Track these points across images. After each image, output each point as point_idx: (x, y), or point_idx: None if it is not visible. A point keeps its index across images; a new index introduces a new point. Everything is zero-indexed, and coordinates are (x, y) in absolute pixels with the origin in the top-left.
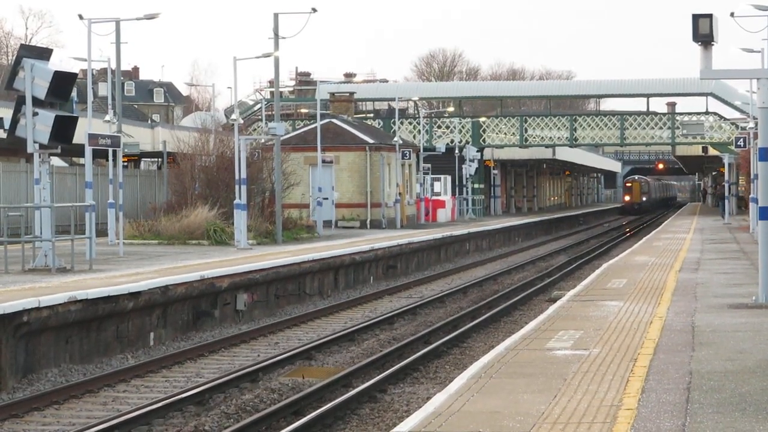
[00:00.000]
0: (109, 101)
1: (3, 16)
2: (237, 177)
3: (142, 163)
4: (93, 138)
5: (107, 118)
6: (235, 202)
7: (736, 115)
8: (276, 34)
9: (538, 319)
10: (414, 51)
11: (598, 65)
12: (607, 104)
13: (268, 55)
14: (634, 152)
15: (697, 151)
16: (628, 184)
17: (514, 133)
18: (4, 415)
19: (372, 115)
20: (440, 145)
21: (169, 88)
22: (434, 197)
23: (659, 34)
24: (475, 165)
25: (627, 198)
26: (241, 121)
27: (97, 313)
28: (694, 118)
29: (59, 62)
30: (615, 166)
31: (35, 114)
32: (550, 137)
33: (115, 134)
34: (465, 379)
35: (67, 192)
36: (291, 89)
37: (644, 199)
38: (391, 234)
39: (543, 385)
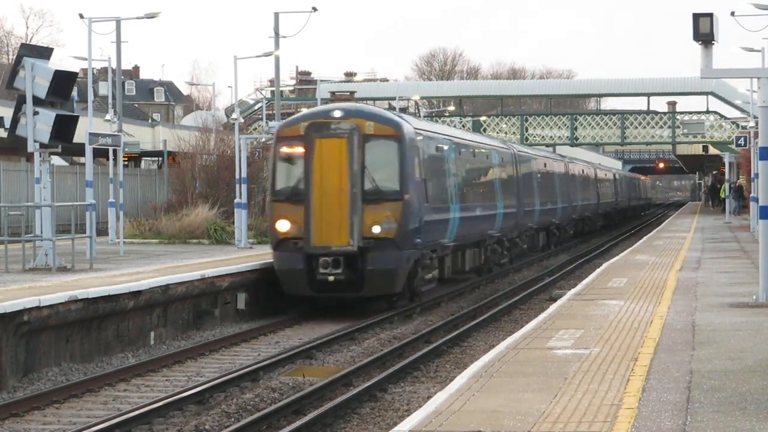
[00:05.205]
0: (110, 100)
1: (3, 15)
2: (237, 176)
3: (142, 162)
4: (93, 137)
5: (108, 117)
6: (235, 201)
7: (737, 114)
8: (276, 33)
9: (538, 318)
10: (414, 50)
11: (598, 65)
12: (607, 103)
13: (268, 54)
14: (634, 151)
15: (697, 150)
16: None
17: (514, 132)
18: (4, 414)
19: None
20: None
21: (170, 88)
22: None
23: (659, 34)
24: None
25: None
26: (242, 120)
27: (98, 312)
28: (695, 117)
29: (60, 61)
30: (616, 165)
31: (36, 113)
32: (551, 136)
33: (116, 133)
34: (465, 378)
35: (67, 191)
36: (291, 88)
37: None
38: None
39: (543, 384)
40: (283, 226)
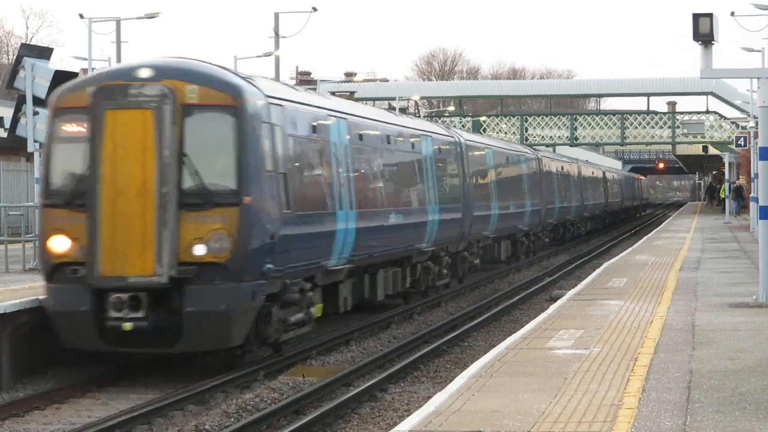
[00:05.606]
0: None
1: (3, 16)
2: None
3: None
4: None
5: None
6: None
7: (737, 114)
8: (276, 34)
9: (538, 318)
10: (414, 50)
11: (598, 64)
12: (607, 103)
13: (268, 55)
14: (634, 151)
15: (697, 150)
16: None
17: (514, 132)
18: (4, 414)
19: None
20: None
21: None
22: None
23: (660, 34)
24: None
25: None
26: None
27: None
28: (695, 117)
29: (60, 61)
30: (615, 165)
31: (36, 113)
32: (551, 136)
33: None
34: (465, 378)
35: None
36: None
37: None
38: None
39: (543, 384)
40: (58, 244)
